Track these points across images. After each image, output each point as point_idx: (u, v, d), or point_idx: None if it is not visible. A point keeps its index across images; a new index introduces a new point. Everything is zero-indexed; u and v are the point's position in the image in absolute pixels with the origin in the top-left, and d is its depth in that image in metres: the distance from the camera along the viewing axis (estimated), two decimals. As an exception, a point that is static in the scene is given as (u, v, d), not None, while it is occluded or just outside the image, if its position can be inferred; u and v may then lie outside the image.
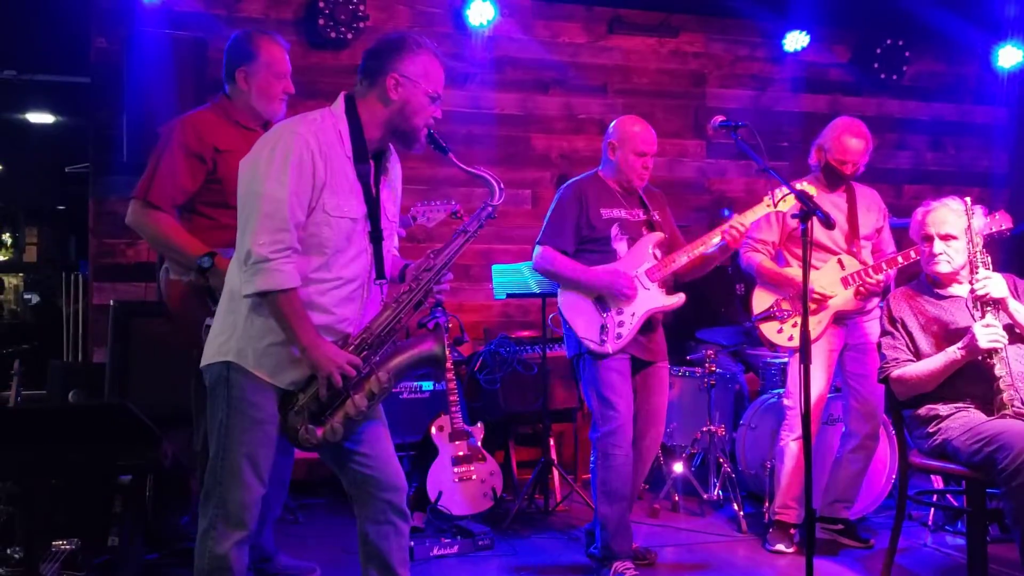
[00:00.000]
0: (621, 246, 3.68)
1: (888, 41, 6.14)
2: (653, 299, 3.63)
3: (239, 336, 2.40)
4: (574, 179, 3.86)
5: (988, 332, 3.10)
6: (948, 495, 4.12)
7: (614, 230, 3.68)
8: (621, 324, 3.60)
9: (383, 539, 2.57)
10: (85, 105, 5.32)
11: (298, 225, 2.34)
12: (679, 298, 3.66)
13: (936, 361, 3.22)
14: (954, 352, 3.18)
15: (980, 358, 3.14)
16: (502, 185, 2.62)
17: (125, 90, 4.75)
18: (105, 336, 4.48)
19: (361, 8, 5.25)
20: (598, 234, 3.67)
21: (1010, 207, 6.38)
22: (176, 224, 3.11)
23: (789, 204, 3.43)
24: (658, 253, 3.67)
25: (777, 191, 3.43)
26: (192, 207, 3.16)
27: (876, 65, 6.16)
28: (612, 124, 3.79)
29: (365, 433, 2.53)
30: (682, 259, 3.62)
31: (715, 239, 3.57)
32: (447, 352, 2.57)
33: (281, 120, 3.26)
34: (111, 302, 4.45)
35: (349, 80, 5.30)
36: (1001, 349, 3.12)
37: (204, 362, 2.47)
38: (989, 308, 3.18)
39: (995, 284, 3.18)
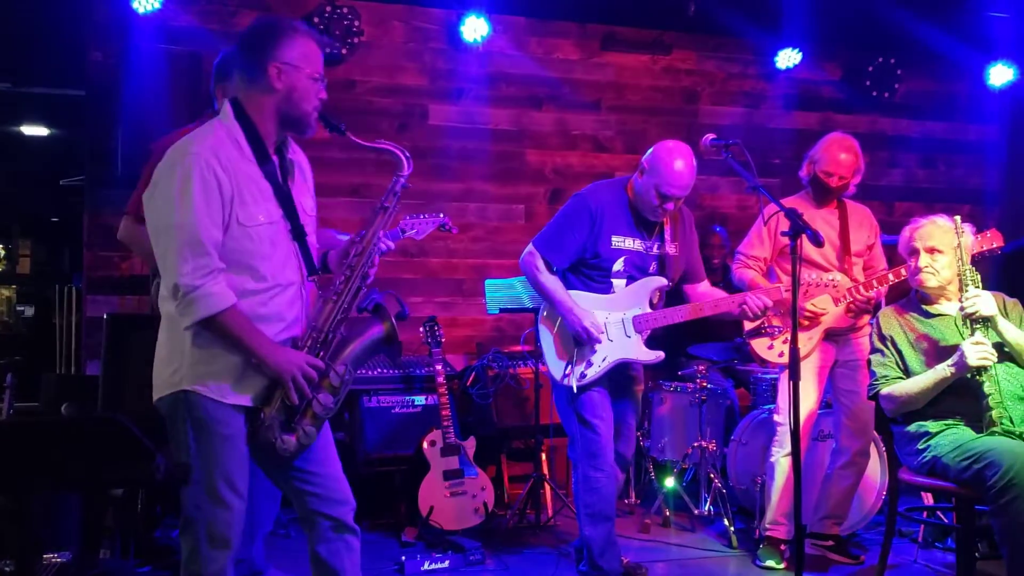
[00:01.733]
0: (619, 283, 3.54)
1: (880, 59, 6.20)
2: (630, 349, 3.50)
3: (188, 364, 2.34)
4: (598, 184, 3.68)
5: (977, 350, 3.12)
6: (938, 512, 4.13)
7: (618, 265, 3.52)
8: (589, 365, 3.47)
9: (335, 556, 2.54)
10: (80, 118, 5.34)
11: (216, 245, 2.29)
12: (657, 356, 3.53)
13: (926, 378, 3.24)
14: (944, 369, 3.20)
15: (969, 376, 3.16)
16: (408, 154, 2.57)
17: (120, 104, 4.78)
18: (98, 349, 4.48)
19: (356, 24, 5.29)
20: (601, 263, 3.52)
21: (1001, 224, 6.41)
22: None
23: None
24: (654, 301, 3.53)
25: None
26: None
27: (868, 83, 6.22)
28: (656, 145, 3.51)
29: (310, 451, 2.49)
30: (676, 317, 3.50)
31: (721, 307, 3.51)
32: (396, 329, 2.54)
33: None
34: (105, 315, 4.45)
35: (344, 95, 5.43)
36: (990, 367, 3.14)
37: (156, 395, 2.41)
38: (978, 326, 3.20)
39: (984, 302, 3.20)
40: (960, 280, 3.28)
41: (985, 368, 3.13)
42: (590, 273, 3.55)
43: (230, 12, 5.31)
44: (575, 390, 3.47)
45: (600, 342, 3.45)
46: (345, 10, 5.26)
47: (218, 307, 2.28)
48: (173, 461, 2.28)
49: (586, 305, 3.49)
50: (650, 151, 3.50)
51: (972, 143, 6.67)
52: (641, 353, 3.51)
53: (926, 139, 6.54)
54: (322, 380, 2.42)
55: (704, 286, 3.77)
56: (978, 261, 3.67)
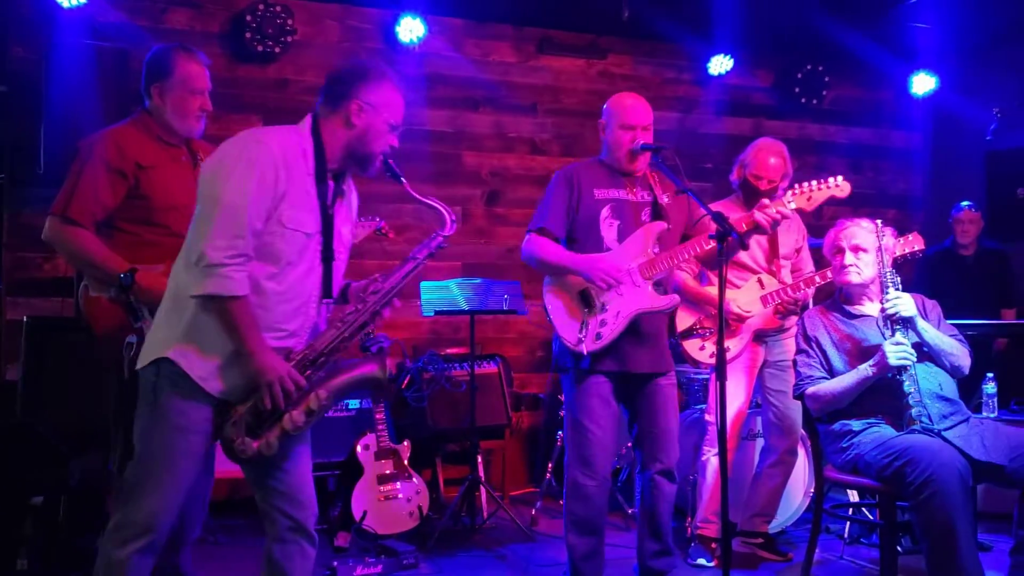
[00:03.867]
0: (610, 232, 3.33)
1: (809, 66, 6.33)
2: (643, 298, 3.26)
3: (182, 335, 2.37)
4: (570, 164, 3.58)
5: (897, 350, 3.21)
6: (863, 509, 4.23)
7: (604, 212, 3.34)
8: (603, 323, 3.24)
9: (288, 559, 2.55)
10: (1, 114, 5.17)
11: (255, 233, 2.35)
12: (672, 299, 3.33)
13: (848, 378, 3.32)
14: (865, 369, 3.28)
15: (890, 375, 3.24)
16: (454, 217, 2.67)
17: (44, 100, 4.64)
18: (18, 352, 4.35)
19: (289, 22, 5.22)
20: (586, 216, 3.34)
21: (925, 228, 6.62)
22: (96, 240, 3.05)
23: (799, 203, 3.36)
24: (657, 247, 3.31)
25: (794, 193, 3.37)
26: (112, 223, 3.11)
27: (797, 89, 6.35)
28: (605, 103, 3.49)
29: (288, 449, 2.51)
30: (679, 257, 3.30)
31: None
32: (388, 378, 2.58)
33: (198, 137, 3.25)
34: (25, 318, 4.32)
35: (276, 94, 5.36)
36: (910, 366, 3.23)
37: (141, 361, 2.44)
38: (899, 327, 3.29)
39: (904, 303, 3.29)
40: (881, 282, 3.37)
41: (905, 368, 3.22)
42: (579, 236, 3.38)
43: (160, 9, 5.20)
44: (586, 352, 3.24)
45: (620, 281, 3.23)
46: (278, 8, 5.19)
47: (231, 292, 2.31)
48: (87, 468, 2.24)
49: None
50: (602, 111, 3.49)
51: (898, 149, 6.87)
52: (655, 300, 3.28)
53: (853, 145, 6.71)
54: (304, 398, 2.43)
55: None
56: (900, 264, 3.78)
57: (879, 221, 3.45)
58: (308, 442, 2.62)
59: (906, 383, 3.21)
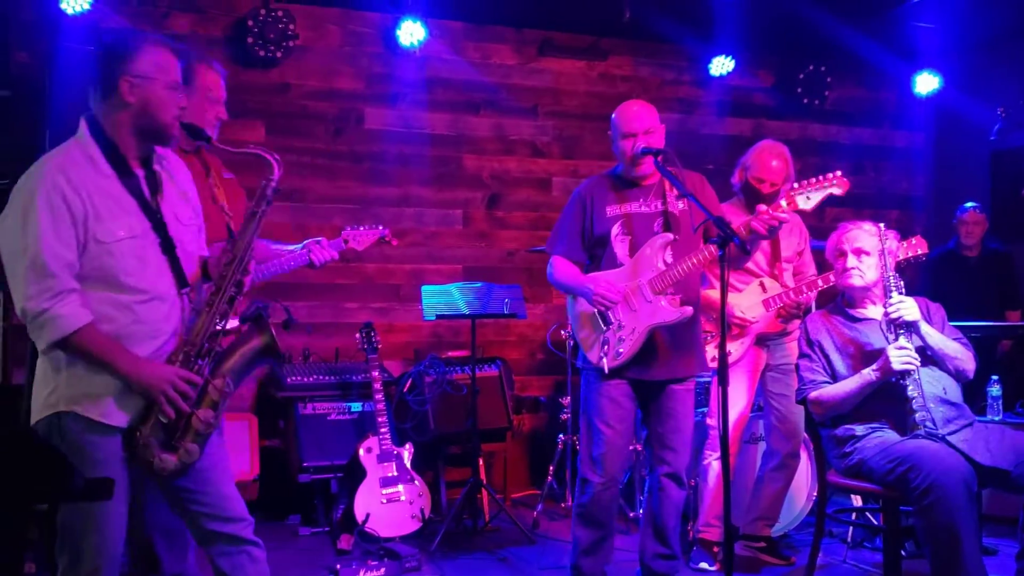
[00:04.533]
0: (621, 248, 3.39)
1: (811, 67, 6.31)
2: (656, 313, 3.30)
3: (64, 384, 2.30)
4: (587, 179, 3.62)
5: (901, 354, 3.19)
6: (866, 513, 4.22)
7: (615, 230, 3.40)
8: (621, 341, 3.32)
9: (238, 569, 2.47)
10: (4, 119, 5.18)
11: (68, 266, 2.25)
12: (684, 311, 3.32)
13: (851, 383, 3.31)
14: (869, 374, 3.27)
15: (894, 380, 3.23)
16: (277, 157, 2.51)
17: (48, 106, 4.66)
18: (24, 356, 4.36)
19: (291, 27, 5.22)
20: (600, 235, 3.41)
21: (928, 229, 6.63)
22: None
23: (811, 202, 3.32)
24: (668, 258, 3.34)
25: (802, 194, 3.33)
26: None
27: (799, 90, 6.33)
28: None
29: (197, 471, 2.42)
30: (680, 270, 3.30)
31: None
32: (275, 338, 2.47)
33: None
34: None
35: (279, 98, 5.37)
36: (914, 371, 3.22)
37: (33, 418, 2.36)
38: (902, 331, 3.28)
39: (908, 307, 3.27)
40: (884, 285, 3.36)
41: (909, 372, 3.21)
42: (596, 253, 3.45)
43: (162, 14, 5.22)
44: (607, 371, 3.31)
45: (615, 301, 3.29)
46: (280, 13, 5.19)
47: (69, 328, 2.23)
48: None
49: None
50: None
51: (900, 149, 6.85)
52: (667, 314, 3.30)
53: (855, 145, 6.69)
54: (201, 394, 2.36)
55: None
56: (903, 267, 3.77)
57: (882, 224, 3.43)
58: (223, 455, 2.54)
59: (910, 388, 3.21)
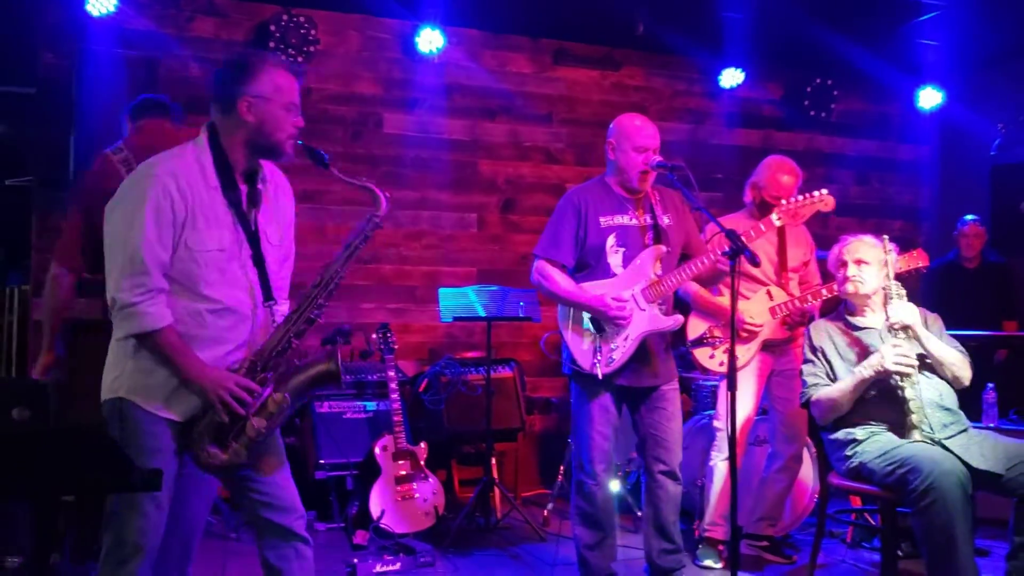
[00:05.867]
0: (615, 259, 3.49)
1: (818, 80, 6.46)
2: (648, 321, 3.44)
3: (129, 373, 2.43)
4: (577, 186, 3.73)
5: (895, 353, 3.31)
6: (865, 514, 4.35)
7: (610, 241, 3.50)
8: (614, 348, 3.44)
9: (284, 560, 2.56)
10: (31, 117, 5.30)
11: (161, 266, 2.37)
12: (676, 320, 3.49)
13: (847, 381, 3.43)
14: (862, 371, 3.38)
15: (892, 383, 3.35)
16: (387, 194, 2.59)
17: (75, 106, 4.78)
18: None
19: (312, 32, 5.35)
20: (594, 245, 3.50)
21: (931, 240, 6.77)
22: None
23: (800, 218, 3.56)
24: (659, 269, 3.48)
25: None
26: None
27: (807, 102, 6.48)
28: (613, 123, 3.63)
29: (260, 460, 2.55)
30: (677, 280, 3.45)
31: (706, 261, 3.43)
32: (340, 369, 2.57)
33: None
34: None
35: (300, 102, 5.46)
36: (912, 374, 3.33)
37: (102, 398, 2.49)
38: (901, 335, 3.40)
39: (907, 312, 3.40)
40: (885, 293, 3.48)
41: (905, 375, 3.32)
42: (589, 261, 3.54)
43: (186, 17, 5.34)
44: (600, 377, 3.43)
45: (630, 316, 3.40)
46: (302, 19, 5.32)
47: (152, 326, 2.35)
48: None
49: (596, 292, 3.49)
50: (609, 130, 3.60)
51: (904, 162, 6.99)
52: (660, 322, 3.45)
53: (860, 157, 6.83)
54: (259, 402, 2.46)
55: None
56: (904, 279, 3.90)
57: (886, 237, 3.57)
58: (281, 449, 2.65)
59: (908, 390, 3.32)
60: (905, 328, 3.40)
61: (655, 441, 3.56)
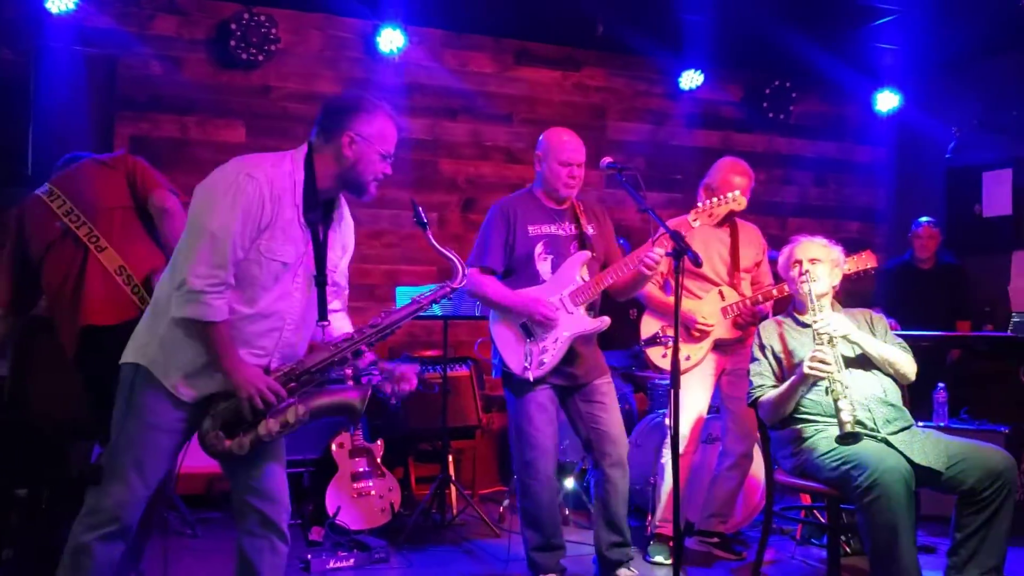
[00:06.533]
0: (544, 266, 3.64)
1: (776, 82, 6.54)
2: (577, 323, 3.59)
3: (157, 345, 2.52)
4: (505, 197, 3.86)
5: (813, 361, 3.32)
6: (814, 511, 4.42)
7: (539, 248, 3.65)
8: (544, 351, 3.57)
9: (257, 553, 2.64)
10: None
11: (236, 263, 2.47)
12: (603, 321, 3.62)
13: (784, 385, 3.49)
14: (793, 376, 3.44)
15: (823, 385, 3.37)
16: (467, 271, 2.80)
17: (32, 103, 4.74)
18: (3, 348, 4.45)
19: (273, 31, 5.36)
20: (523, 253, 3.64)
21: (887, 241, 6.88)
22: None
23: (703, 221, 3.67)
24: (585, 274, 3.63)
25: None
26: None
27: (765, 104, 6.57)
28: (541, 137, 3.78)
29: (265, 450, 2.62)
30: (602, 284, 3.59)
31: (630, 265, 3.57)
32: (363, 411, 2.65)
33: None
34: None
35: (260, 100, 5.50)
36: (830, 377, 3.30)
37: (123, 359, 2.58)
38: (827, 340, 3.39)
39: (831, 322, 3.42)
40: (811, 302, 3.49)
41: (820, 378, 3.35)
42: (517, 268, 3.66)
43: (147, 16, 5.33)
44: (532, 380, 3.56)
45: (558, 317, 3.54)
46: (263, 18, 5.33)
47: (210, 318, 2.45)
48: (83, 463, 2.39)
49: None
50: (538, 143, 3.76)
51: (862, 164, 7.09)
52: (587, 324, 3.60)
53: (819, 159, 6.93)
54: (284, 410, 2.53)
55: None
56: (855, 280, 3.97)
57: (833, 240, 3.65)
58: (283, 452, 2.74)
59: (830, 389, 3.31)
60: (839, 336, 3.43)
61: (598, 435, 3.65)
